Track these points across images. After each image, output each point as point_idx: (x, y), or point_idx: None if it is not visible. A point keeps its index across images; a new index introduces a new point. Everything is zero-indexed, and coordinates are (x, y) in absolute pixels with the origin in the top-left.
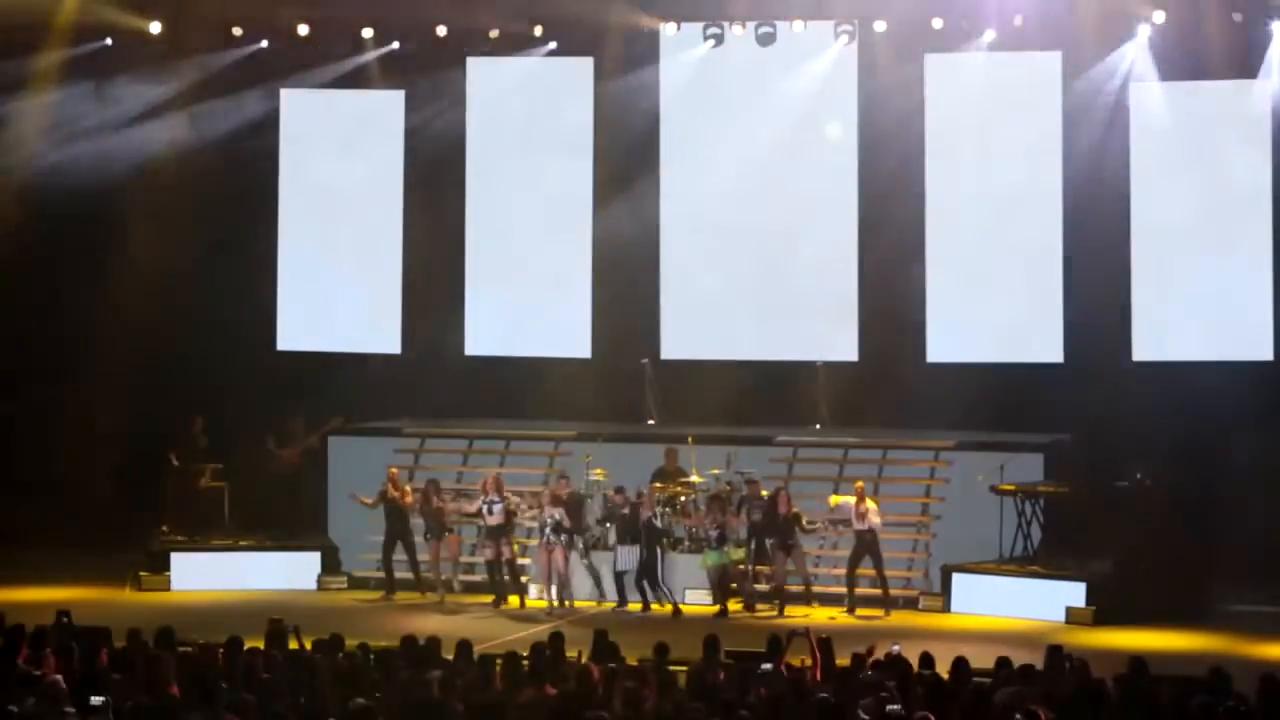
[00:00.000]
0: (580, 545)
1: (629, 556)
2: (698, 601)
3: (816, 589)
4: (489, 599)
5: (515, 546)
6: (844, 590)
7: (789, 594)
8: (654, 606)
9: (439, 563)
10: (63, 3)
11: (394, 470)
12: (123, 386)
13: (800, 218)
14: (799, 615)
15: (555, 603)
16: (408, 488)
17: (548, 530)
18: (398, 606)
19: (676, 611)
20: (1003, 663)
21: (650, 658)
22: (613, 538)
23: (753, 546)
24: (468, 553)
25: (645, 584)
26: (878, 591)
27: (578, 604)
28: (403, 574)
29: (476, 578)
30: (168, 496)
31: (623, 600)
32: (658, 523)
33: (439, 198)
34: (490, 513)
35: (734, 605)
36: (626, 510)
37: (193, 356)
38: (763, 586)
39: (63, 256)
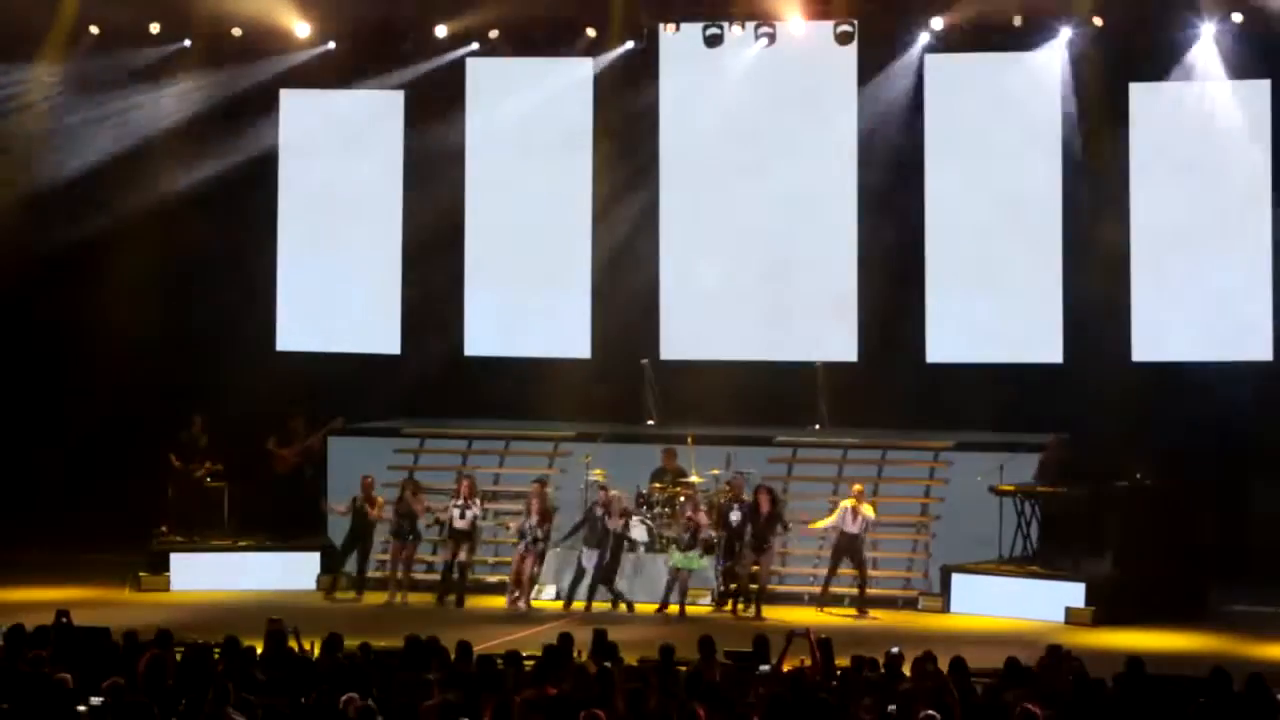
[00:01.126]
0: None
1: (593, 559)
2: (694, 602)
3: (812, 589)
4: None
5: (475, 552)
6: (840, 593)
7: (744, 594)
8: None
9: (399, 563)
10: (62, 4)
11: (368, 480)
12: (122, 386)
13: (800, 218)
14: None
15: (521, 604)
16: (380, 498)
17: (526, 539)
18: (396, 607)
19: (630, 610)
20: (1011, 663)
21: (649, 658)
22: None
23: (722, 547)
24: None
25: (604, 587)
26: (855, 591)
27: (534, 604)
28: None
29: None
30: (168, 496)
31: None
32: (632, 533)
33: (439, 198)
34: (461, 516)
35: (673, 609)
36: (601, 511)
37: (193, 356)
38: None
39: (62, 256)
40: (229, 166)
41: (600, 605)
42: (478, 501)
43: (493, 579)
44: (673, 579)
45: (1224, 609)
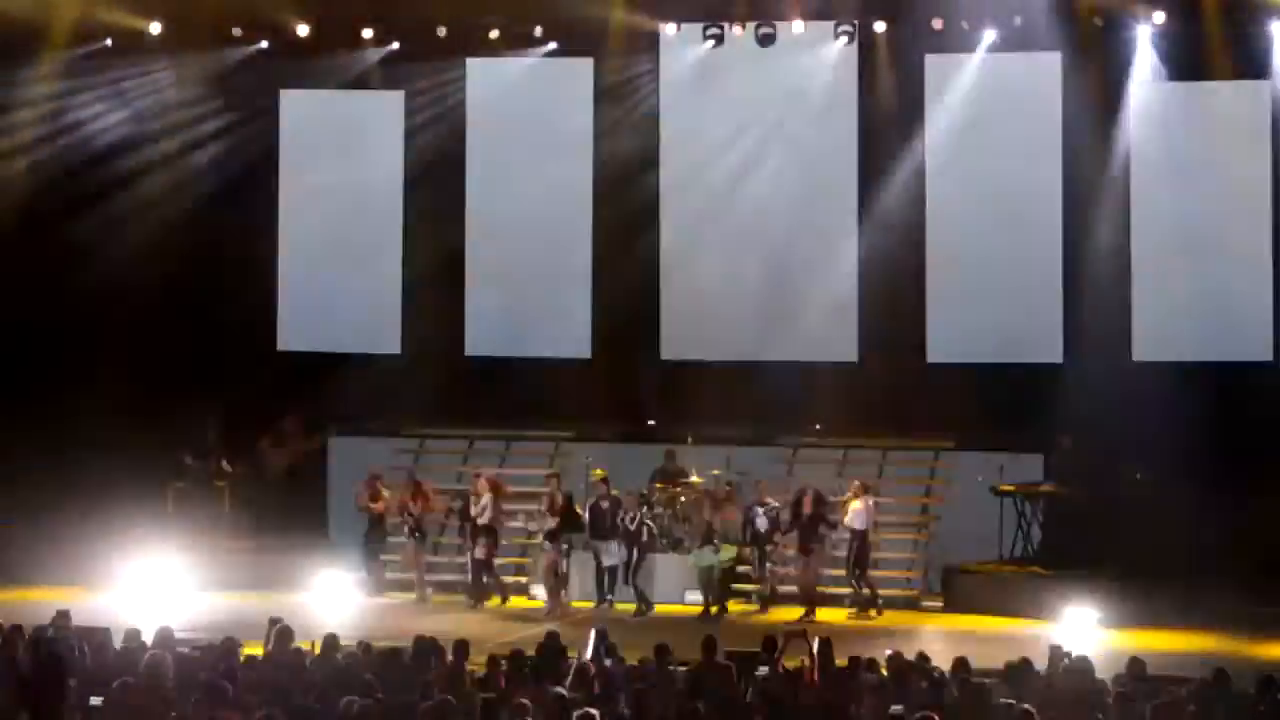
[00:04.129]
0: (572, 546)
1: (614, 552)
2: (696, 602)
3: (830, 591)
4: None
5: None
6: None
7: (779, 596)
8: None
9: (416, 566)
10: (63, 3)
11: (373, 470)
12: (124, 386)
13: (800, 218)
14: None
15: (552, 603)
16: (385, 493)
17: (548, 539)
18: (396, 607)
19: (640, 612)
20: (1014, 664)
21: (650, 658)
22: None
23: (755, 551)
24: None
25: (632, 583)
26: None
27: (574, 604)
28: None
29: (451, 577)
30: (178, 496)
31: (606, 595)
32: (634, 526)
33: (439, 198)
34: (481, 514)
35: (734, 606)
36: (606, 505)
37: (194, 356)
38: (754, 587)
39: (65, 257)
40: (229, 166)
41: (625, 605)
42: (490, 497)
43: (508, 579)
44: (703, 580)
45: (1224, 609)
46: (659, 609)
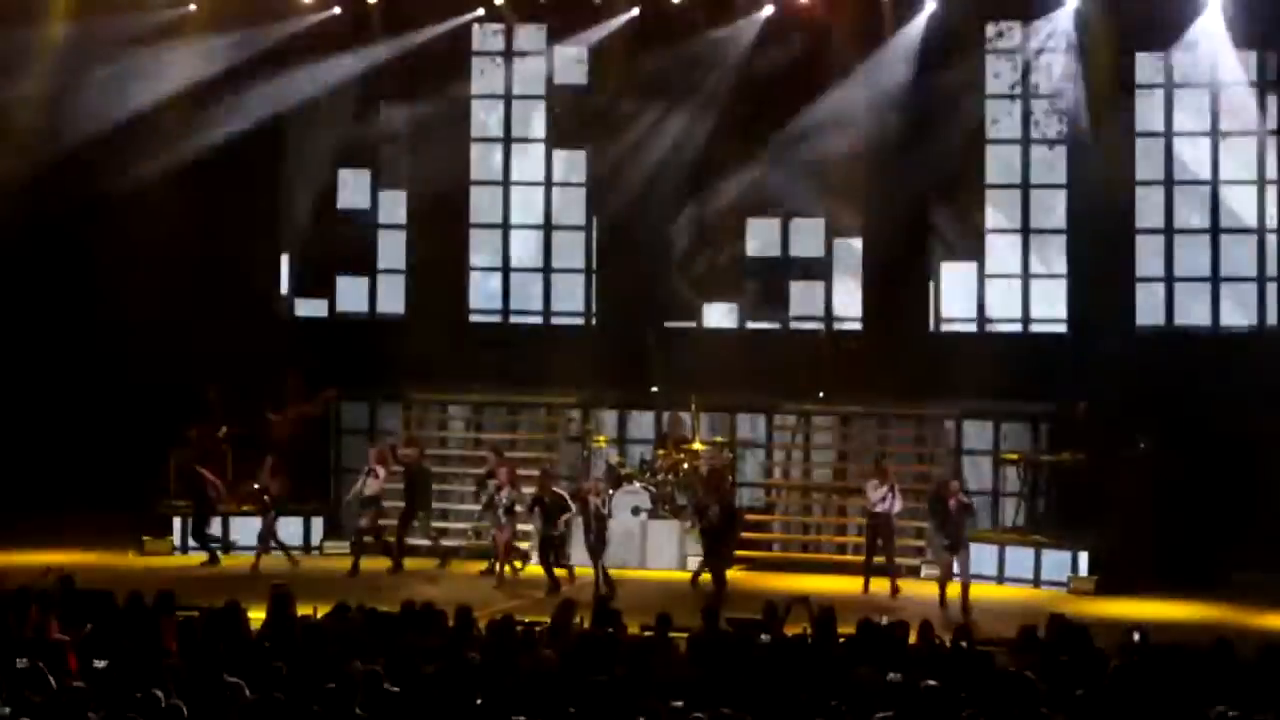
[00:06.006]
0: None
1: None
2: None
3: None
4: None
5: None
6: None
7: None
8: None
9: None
10: None
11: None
12: (128, 351)
13: (804, 185)
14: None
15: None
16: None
17: (499, 509)
18: (393, 572)
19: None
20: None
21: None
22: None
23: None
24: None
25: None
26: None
27: (517, 572)
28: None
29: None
30: (179, 466)
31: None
32: (605, 510)
33: (443, 162)
34: (365, 484)
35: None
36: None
37: (199, 322)
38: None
39: (68, 221)
40: (236, 130)
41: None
42: (381, 470)
43: (451, 542)
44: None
45: (1228, 578)
46: (662, 575)
